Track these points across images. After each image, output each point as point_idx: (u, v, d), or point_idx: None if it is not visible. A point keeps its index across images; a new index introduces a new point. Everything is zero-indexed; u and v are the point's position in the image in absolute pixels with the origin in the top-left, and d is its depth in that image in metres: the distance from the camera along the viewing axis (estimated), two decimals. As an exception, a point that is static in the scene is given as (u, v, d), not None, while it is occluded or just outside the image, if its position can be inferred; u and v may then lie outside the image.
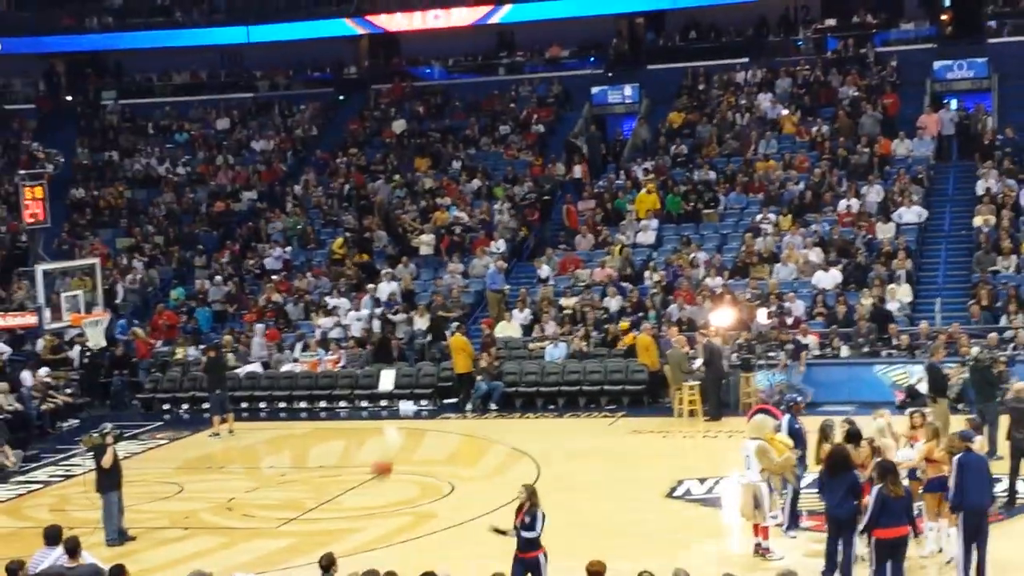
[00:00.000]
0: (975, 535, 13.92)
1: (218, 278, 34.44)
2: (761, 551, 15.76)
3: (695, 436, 23.82)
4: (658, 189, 34.11)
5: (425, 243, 34.28)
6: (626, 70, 41.72)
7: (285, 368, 29.88)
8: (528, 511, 13.61)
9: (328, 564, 12.59)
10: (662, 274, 30.62)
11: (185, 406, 29.53)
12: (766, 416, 16.82)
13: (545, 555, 13.57)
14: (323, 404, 28.99)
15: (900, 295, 28.15)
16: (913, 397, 24.51)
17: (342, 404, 28.90)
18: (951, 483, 14.03)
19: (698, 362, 25.96)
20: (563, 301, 30.35)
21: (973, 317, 27.10)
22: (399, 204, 36.64)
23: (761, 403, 21.39)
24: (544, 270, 31.98)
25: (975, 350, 22.82)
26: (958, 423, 17.27)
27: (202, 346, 30.21)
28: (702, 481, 19.87)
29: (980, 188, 31.55)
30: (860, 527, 13.78)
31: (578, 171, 36.33)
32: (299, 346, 30.56)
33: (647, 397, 27.06)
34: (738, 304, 28.01)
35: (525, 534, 13.55)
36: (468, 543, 17.18)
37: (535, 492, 13.80)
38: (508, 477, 21.51)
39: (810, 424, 17.27)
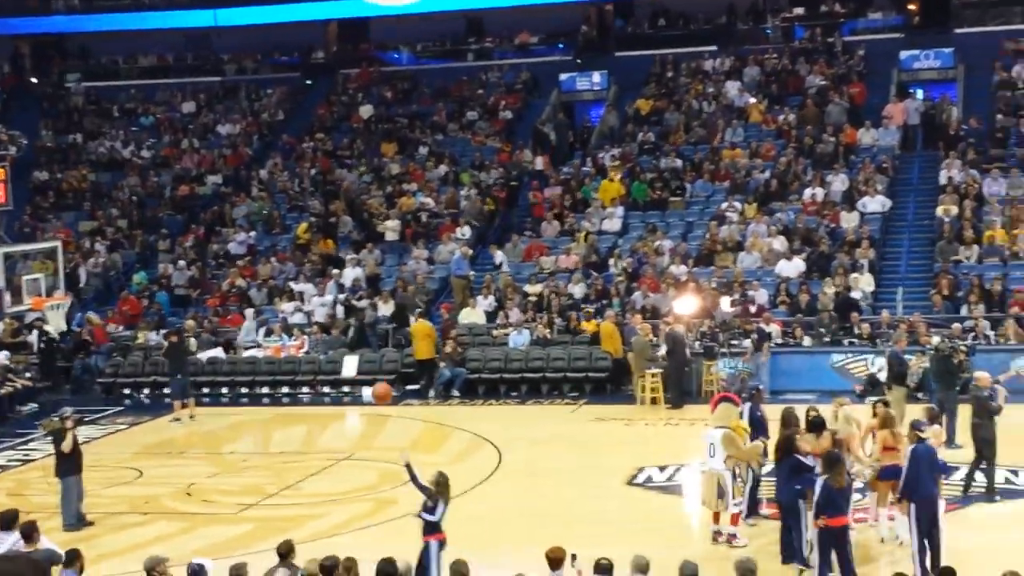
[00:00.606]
0: (929, 524, 13.99)
1: (181, 262, 34.25)
2: (727, 538, 15.74)
3: (657, 424, 23.84)
4: (625, 176, 34.13)
5: (391, 229, 34.18)
6: (594, 57, 41.66)
7: (248, 353, 29.74)
8: (432, 498, 13.71)
9: (286, 551, 12.56)
10: (627, 261, 30.63)
11: (146, 391, 29.35)
12: (729, 404, 16.82)
13: (440, 543, 13.59)
14: (285, 390, 28.89)
15: (863, 284, 28.26)
16: (873, 386, 24.64)
17: (304, 390, 28.81)
18: (904, 473, 14.08)
19: (662, 350, 25.98)
20: (528, 288, 30.34)
21: (935, 307, 27.25)
22: (365, 189, 36.52)
23: (723, 391, 21.41)
24: (499, 256, 31.90)
25: (936, 339, 22.92)
26: (917, 412, 17.33)
27: (164, 331, 30.03)
28: (662, 469, 19.89)
29: (944, 178, 31.68)
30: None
31: (540, 162, 36.16)
32: (262, 331, 30.43)
33: (610, 384, 27.09)
34: (702, 292, 28.06)
35: (425, 516, 13.67)
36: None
37: (444, 483, 13.84)
38: (469, 464, 21.54)
39: (772, 412, 17.28)
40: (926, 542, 13.94)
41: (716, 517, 15.98)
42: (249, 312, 31.00)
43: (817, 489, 13.43)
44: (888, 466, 15.18)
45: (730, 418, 16.26)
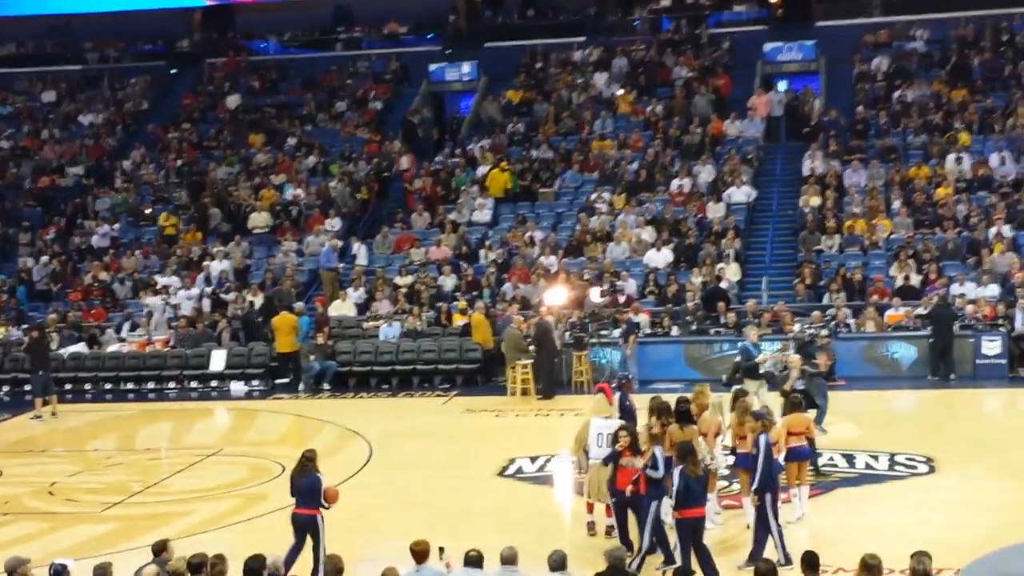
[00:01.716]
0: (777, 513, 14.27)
1: (43, 257, 33.41)
2: (607, 529, 15.71)
3: (527, 415, 23.92)
4: (494, 167, 34.16)
5: (261, 224, 33.78)
6: (464, 47, 41.62)
7: (111, 348, 29.17)
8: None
9: (160, 549, 12.39)
10: (498, 252, 30.70)
11: (6, 388, 28.64)
12: (603, 396, 16.89)
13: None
14: (151, 385, 28.43)
15: (729, 274, 28.70)
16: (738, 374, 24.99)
17: (171, 385, 28.39)
18: (756, 464, 14.21)
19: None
20: (398, 280, 30.24)
21: (798, 295, 27.82)
22: (233, 181, 36.04)
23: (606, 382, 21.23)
24: (355, 247, 31.71)
25: (796, 327, 23.34)
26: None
27: (24, 326, 29.30)
28: (533, 460, 19.97)
29: (806, 169, 32.31)
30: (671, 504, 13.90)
31: (405, 161, 35.77)
32: (126, 326, 29.86)
33: (481, 376, 27.14)
34: (572, 283, 28.23)
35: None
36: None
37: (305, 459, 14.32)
38: (340, 458, 21.39)
39: (640, 402, 17.42)
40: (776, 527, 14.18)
41: (590, 508, 15.97)
42: (157, 304, 30.35)
43: (675, 479, 13.57)
44: (741, 454, 15.46)
45: (607, 409, 16.34)
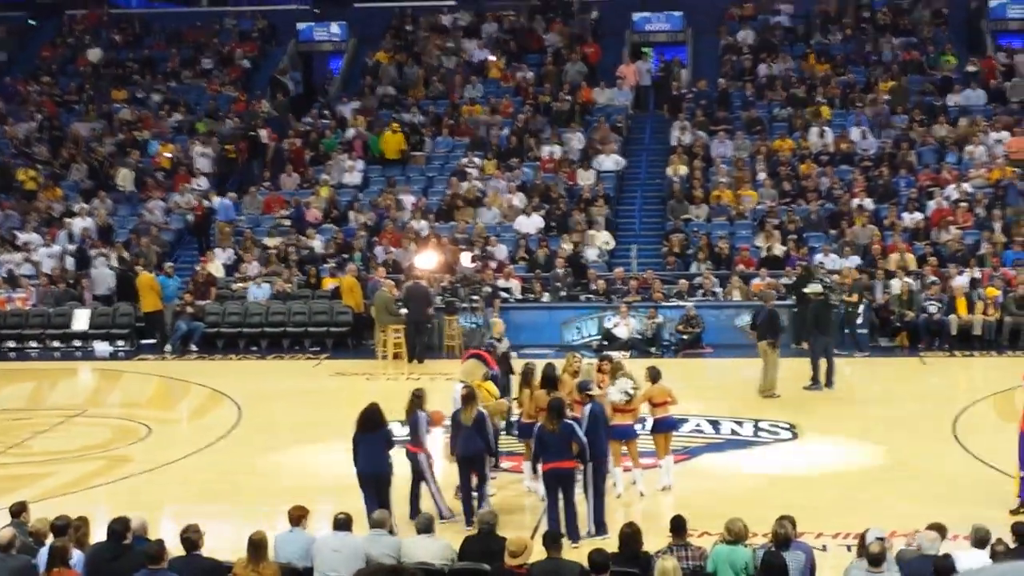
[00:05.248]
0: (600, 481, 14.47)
1: None
2: (456, 490, 15.75)
3: (399, 378, 23.88)
4: (366, 129, 33.95)
5: (123, 178, 33.11)
6: (333, 7, 41.17)
7: (-31, 307, 28.44)
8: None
9: (18, 511, 12.17)
10: (368, 216, 30.56)
11: None
12: (477, 361, 16.93)
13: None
14: (12, 344, 27.76)
15: (599, 241, 28.99)
16: (609, 340, 25.33)
17: (32, 344, 27.76)
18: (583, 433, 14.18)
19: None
20: (267, 240, 29.94)
21: (667, 264, 28.24)
22: (96, 136, 35.23)
23: (475, 348, 21.24)
24: (217, 201, 31.39)
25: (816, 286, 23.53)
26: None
27: None
28: (404, 423, 19.93)
29: (674, 139, 32.73)
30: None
31: (264, 135, 34.66)
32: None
33: (352, 339, 27.05)
34: (443, 247, 28.25)
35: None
36: (165, 486, 16.89)
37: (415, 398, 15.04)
38: (207, 420, 21.23)
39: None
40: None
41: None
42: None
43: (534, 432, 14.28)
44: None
45: (475, 375, 16.37)
